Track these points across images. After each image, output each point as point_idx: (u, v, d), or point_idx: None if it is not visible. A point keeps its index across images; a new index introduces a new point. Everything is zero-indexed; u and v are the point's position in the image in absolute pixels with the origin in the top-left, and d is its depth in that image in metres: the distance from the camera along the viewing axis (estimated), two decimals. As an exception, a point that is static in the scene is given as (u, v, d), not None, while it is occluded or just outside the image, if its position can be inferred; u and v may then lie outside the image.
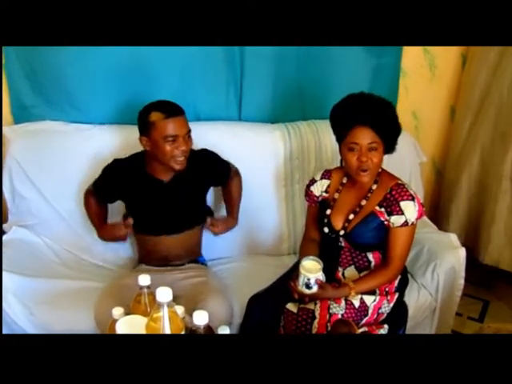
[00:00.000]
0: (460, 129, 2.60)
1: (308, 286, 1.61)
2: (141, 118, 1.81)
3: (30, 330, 1.82)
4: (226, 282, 2.01)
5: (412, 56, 2.50)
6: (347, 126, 1.65)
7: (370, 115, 1.63)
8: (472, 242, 2.55)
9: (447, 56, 2.57)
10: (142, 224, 1.94)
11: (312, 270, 1.61)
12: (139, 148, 1.89)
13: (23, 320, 1.82)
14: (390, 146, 1.71)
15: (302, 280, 1.62)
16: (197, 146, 1.95)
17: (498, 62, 2.37)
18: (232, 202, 2.13)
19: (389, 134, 1.68)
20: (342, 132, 1.69)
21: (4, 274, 1.82)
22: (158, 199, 1.91)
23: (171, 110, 1.78)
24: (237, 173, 2.12)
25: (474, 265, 2.33)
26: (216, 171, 2.03)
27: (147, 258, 1.99)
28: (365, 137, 1.63)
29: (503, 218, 2.43)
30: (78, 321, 1.80)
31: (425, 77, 2.59)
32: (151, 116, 1.77)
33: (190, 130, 1.82)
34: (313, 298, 1.65)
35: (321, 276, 1.62)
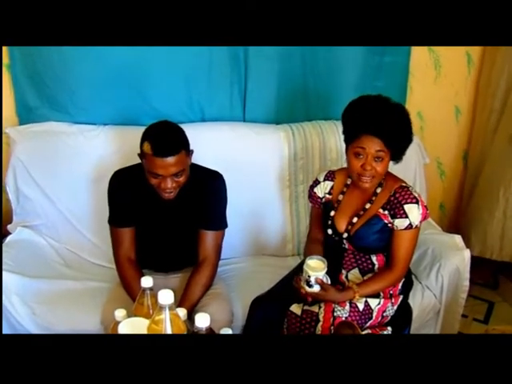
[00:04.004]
0: (484, 132, 2.59)
1: (308, 284, 1.61)
2: (142, 136, 1.70)
3: (33, 329, 1.83)
4: (229, 283, 2.01)
5: (417, 55, 2.48)
6: (356, 132, 1.62)
7: (379, 125, 1.58)
8: (483, 240, 2.57)
9: (452, 55, 2.55)
10: (147, 240, 1.88)
11: (314, 269, 1.60)
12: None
13: (26, 320, 1.83)
14: (397, 156, 1.68)
15: (303, 276, 1.62)
16: (202, 147, 1.93)
17: None
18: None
19: (398, 144, 1.64)
20: (349, 136, 1.66)
21: (8, 274, 1.83)
22: (161, 211, 1.81)
23: (163, 148, 1.61)
24: (216, 258, 1.86)
25: (479, 265, 2.32)
26: (207, 200, 1.81)
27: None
28: (372, 146, 1.60)
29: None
30: (80, 321, 1.80)
31: (430, 76, 2.58)
32: (144, 145, 1.65)
33: (182, 170, 1.66)
34: (316, 299, 1.65)
35: (322, 276, 1.61)
